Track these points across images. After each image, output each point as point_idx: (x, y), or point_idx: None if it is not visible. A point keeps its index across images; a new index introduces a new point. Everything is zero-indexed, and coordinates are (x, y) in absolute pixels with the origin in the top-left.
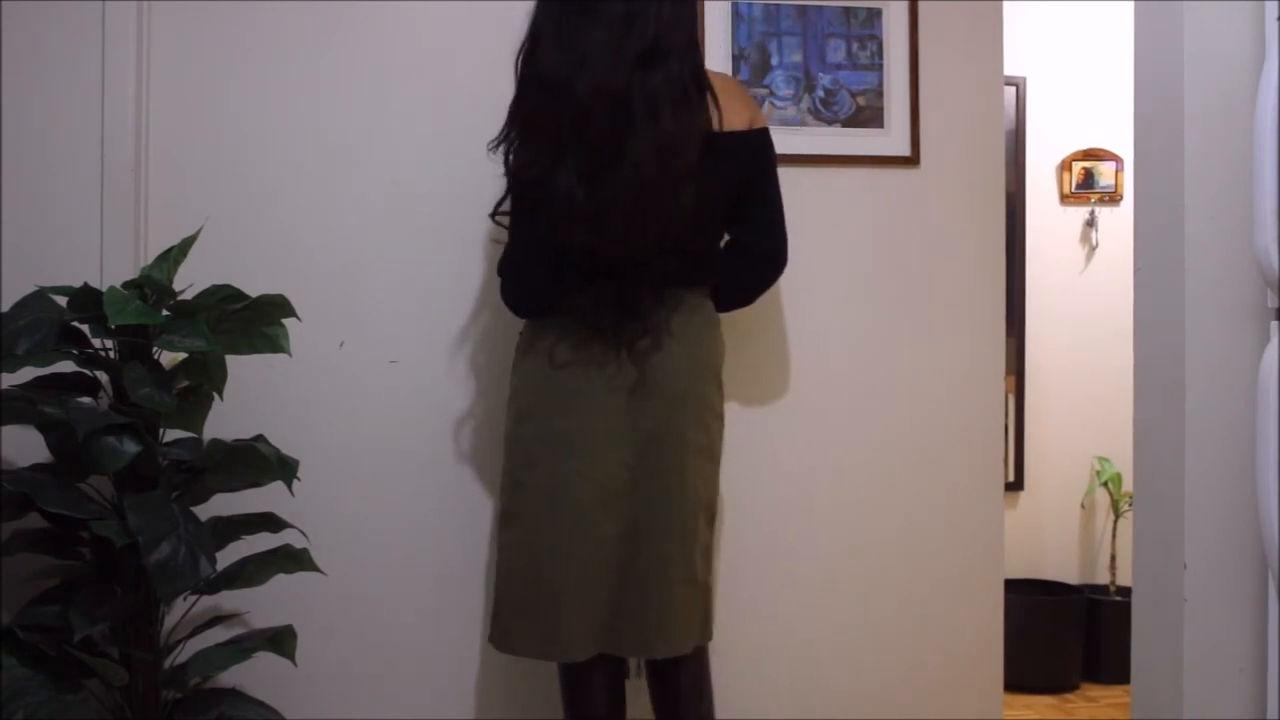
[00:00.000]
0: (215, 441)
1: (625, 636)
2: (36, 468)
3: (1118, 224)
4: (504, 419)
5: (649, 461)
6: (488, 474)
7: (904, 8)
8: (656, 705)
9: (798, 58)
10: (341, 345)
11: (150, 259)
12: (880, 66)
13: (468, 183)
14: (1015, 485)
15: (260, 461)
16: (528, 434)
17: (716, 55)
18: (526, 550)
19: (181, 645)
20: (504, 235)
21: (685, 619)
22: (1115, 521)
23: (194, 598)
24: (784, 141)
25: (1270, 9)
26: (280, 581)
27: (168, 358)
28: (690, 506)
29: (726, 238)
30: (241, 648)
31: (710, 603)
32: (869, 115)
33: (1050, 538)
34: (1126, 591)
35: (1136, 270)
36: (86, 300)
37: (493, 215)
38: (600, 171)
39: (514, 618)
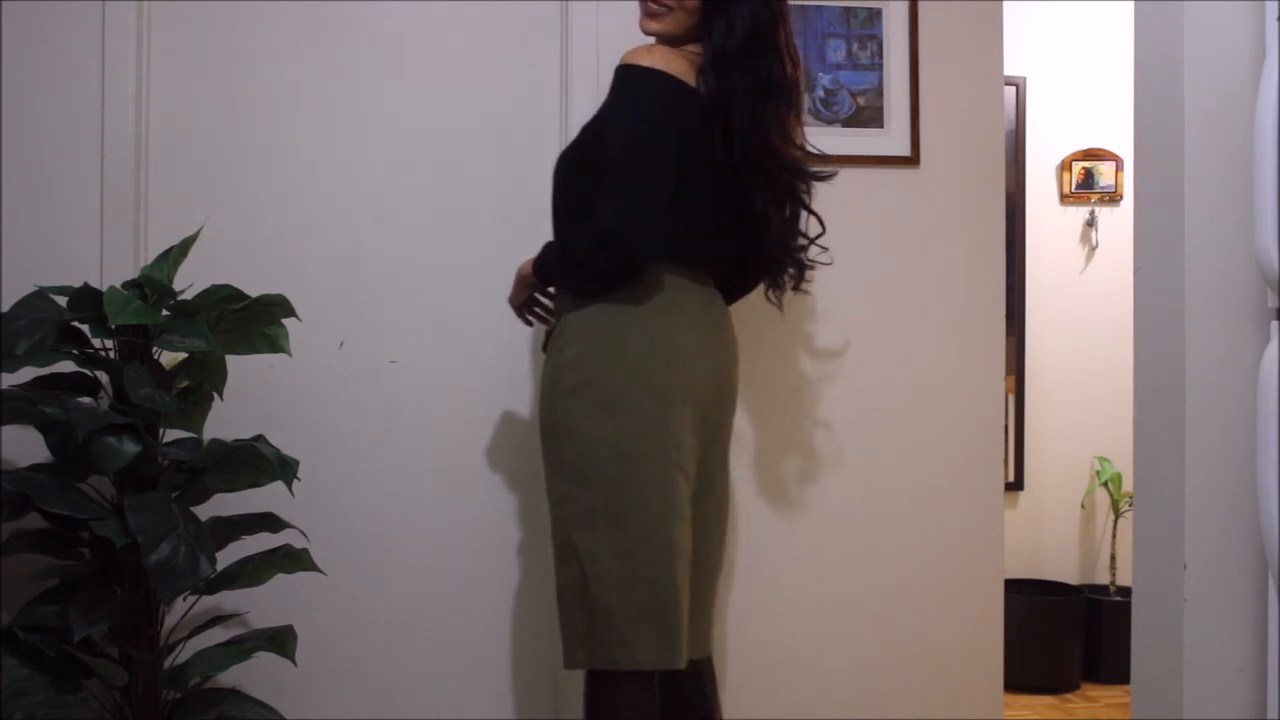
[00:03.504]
0: (215, 441)
1: (699, 637)
2: (36, 468)
3: (1118, 224)
4: (540, 413)
5: (710, 453)
6: (488, 473)
7: (904, 8)
8: (677, 712)
9: None
10: (341, 345)
11: (150, 259)
12: (880, 66)
13: (467, 182)
14: (1015, 485)
15: (260, 461)
16: (621, 427)
17: None
18: (636, 552)
19: (181, 645)
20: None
21: None
22: (1115, 521)
23: (194, 598)
24: None
25: (1270, 9)
26: (280, 581)
27: (168, 358)
28: (729, 505)
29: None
30: (241, 648)
31: None
32: (869, 115)
33: (1050, 538)
34: (1126, 591)
35: (1136, 270)
36: (86, 300)
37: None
38: None
39: (634, 626)
